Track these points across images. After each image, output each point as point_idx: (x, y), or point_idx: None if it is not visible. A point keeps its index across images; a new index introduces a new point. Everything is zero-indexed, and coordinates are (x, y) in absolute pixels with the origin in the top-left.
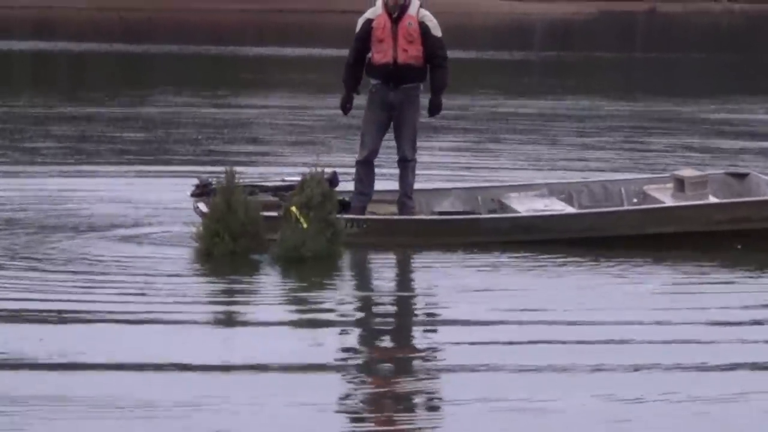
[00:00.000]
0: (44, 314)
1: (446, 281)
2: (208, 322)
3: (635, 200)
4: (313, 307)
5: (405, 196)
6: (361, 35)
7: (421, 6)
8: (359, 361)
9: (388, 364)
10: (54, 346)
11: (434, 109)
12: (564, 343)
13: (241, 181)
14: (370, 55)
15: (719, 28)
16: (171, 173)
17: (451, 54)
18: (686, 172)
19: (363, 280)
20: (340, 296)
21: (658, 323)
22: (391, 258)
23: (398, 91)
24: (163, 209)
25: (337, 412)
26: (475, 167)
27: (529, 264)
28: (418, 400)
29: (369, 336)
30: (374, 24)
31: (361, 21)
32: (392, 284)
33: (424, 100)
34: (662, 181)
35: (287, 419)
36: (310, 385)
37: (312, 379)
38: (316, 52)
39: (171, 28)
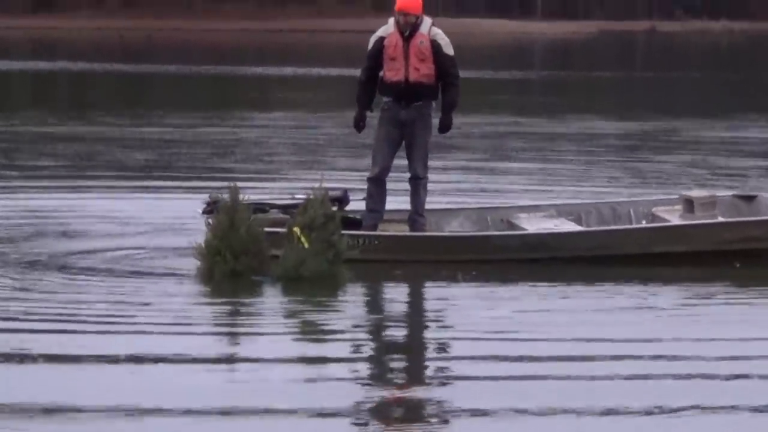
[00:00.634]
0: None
1: (456, 308)
2: (208, 359)
3: (644, 222)
4: (318, 336)
5: (416, 213)
6: (373, 53)
7: (433, 24)
8: (371, 405)
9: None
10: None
11: (444, 127)
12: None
13: (249, 198)
14: (382, 73)
15: (719, 47)
16: (174, 191)
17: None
18: (695, 193)
19: (366, 304)
20: (345, 321)
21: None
22: (398, 280)
23: (410, 109)
24: (166, 226)
25: None
26: (483, 187)
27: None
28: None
29: (378, 369)
30: (386, 42)
31: (373, 39)
32: (400, 308)
33: (436, 118)
34: (671, 202)
35: None
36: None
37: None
38: (316, 71)
39: (171, 47)
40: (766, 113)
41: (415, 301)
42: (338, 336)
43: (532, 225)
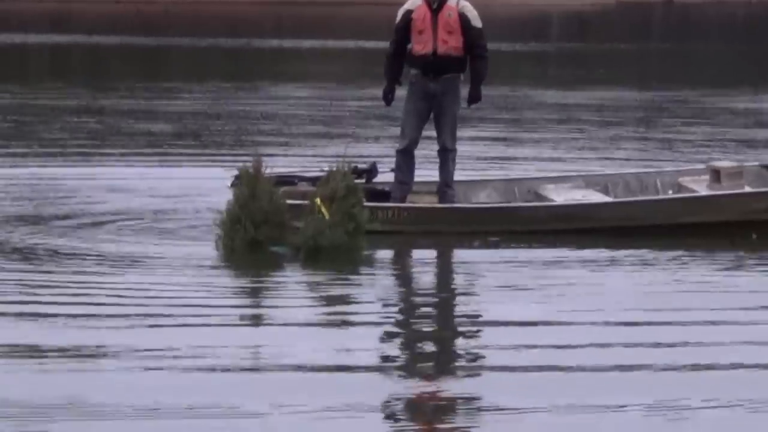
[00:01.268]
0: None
1: (482, 278)
2: (233, 324)
3: (670, 191)
4: (338, 308)
5: (445, 185)
6: (401, 26)
7: None
8: (395, 363)
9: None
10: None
11: (473, 99)
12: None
13: (278, 170)
14: (410, 45)
15: (736, 18)
16: (199, 159)
17: None
18: (722, 163)
19: (389, 281)
20: (369, 302)
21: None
22: (422, 251)
23: (438, 81)
24: (191, 197)
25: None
26: (508, 157)
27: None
28: (458, 404)
29: (404, 337)
30: (414, 15)
31: (401, 12)
32: (425, 281)
33: (464, 90)
34: (697, 172)
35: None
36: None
37: (343, 380)
38: (332, 44)
39: (188, 20)
40: None
41: (443, 278)
42: (363, 318)
43: (560, 196)
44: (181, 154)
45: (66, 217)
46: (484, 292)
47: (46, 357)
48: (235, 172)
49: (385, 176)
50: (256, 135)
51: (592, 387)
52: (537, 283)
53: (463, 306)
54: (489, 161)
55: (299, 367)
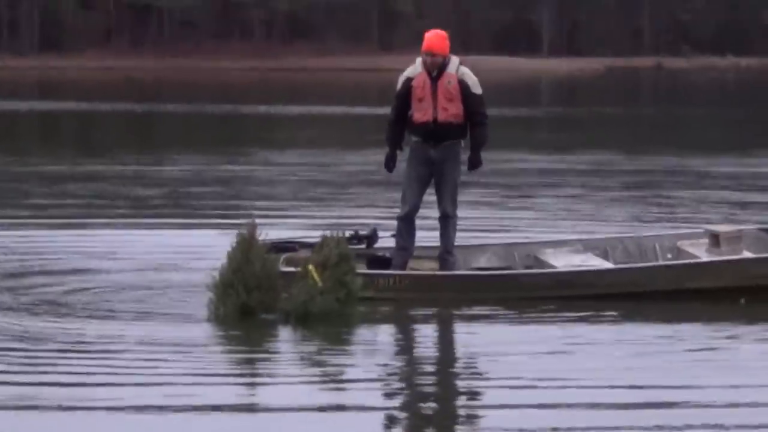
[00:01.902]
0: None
1: (480, 347)
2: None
3: (669, 256)
4: (337, 386)
5: (446, 252)
6: (402, 93)
7: (461, 63)
8: None
9: None
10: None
11: (473, 165)
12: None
13: (278, 237)
14: (411, 112)
15: (726, 83)
16: (193, 227)
17: None
18: (721, 227)
19: (385, 349)
20: (364, 368)
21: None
22: (420, 318)
23: (439, 148)
24: (183, 261)
25: None
26: (505, 223)
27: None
28: None
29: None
30: (414, 83)
31: (401, 79)
32: (424, 352)
33: (464, 156)
34: (695, 236)
35: None
36: None
37: None
38: (326, 109)
39: (178, 87)
40: None
41: (443, 344)
42: (358, 385)
43: (559, 260)
44: (171, 220)
45: (47, 284)
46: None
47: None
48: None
49: (386, 241)
50: (248, 200)
51: None
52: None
53: (463, 379)
54: (486, 226)
55: None
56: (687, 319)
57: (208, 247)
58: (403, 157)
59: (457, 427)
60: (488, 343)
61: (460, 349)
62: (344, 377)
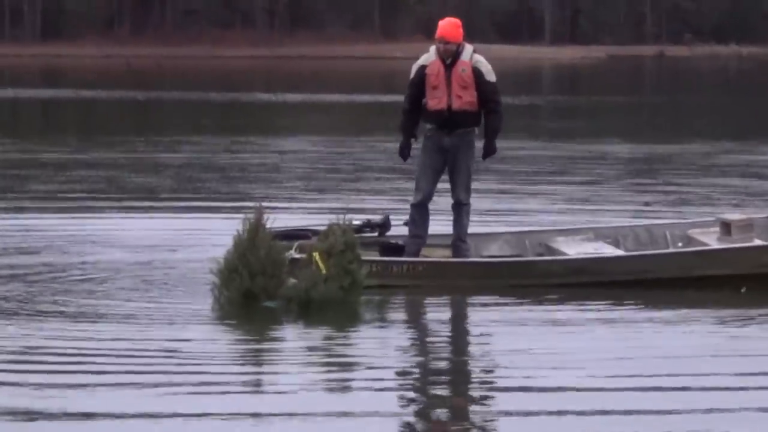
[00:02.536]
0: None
1: (491, 336)
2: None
3: (680, 244)
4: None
5: (459, 239)
6: (416, 81)
7: (474, 51)
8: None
9: None
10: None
11: (488, 153)
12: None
13: (279, 224)
14: (425, 100)
15: (728, 71)
16: (203, 211)
17: None
18: (732, 216)
19: (390, 338)
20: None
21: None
22: (434, 306)
23: (453, 135)
24: (191, 248)
25: None
26: (516, 210)
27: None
28: None
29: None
30: (428, 71)
31: (415, 67)
32: (434, 341)
33: (478, 144)
34: (706, 225)
35: None
36: None
37: None
38: (323, 97)
39: (180, 75)
40: None
41: (455, 331)
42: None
43: (571, 248)
44: (177, 206)
45: (56, 270)
46: (498, 355)
47: (36, 420)
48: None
49: (398, 229)
50: (256, 187)
51: None
52: (547, 345)
53: (476, 369)
54: (497, 213)
55: None
56: (696, 306)
57: (215, 231)
58: (417, 145)
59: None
60: (502, 333)
61: (472, 339)
62: (352, 367)
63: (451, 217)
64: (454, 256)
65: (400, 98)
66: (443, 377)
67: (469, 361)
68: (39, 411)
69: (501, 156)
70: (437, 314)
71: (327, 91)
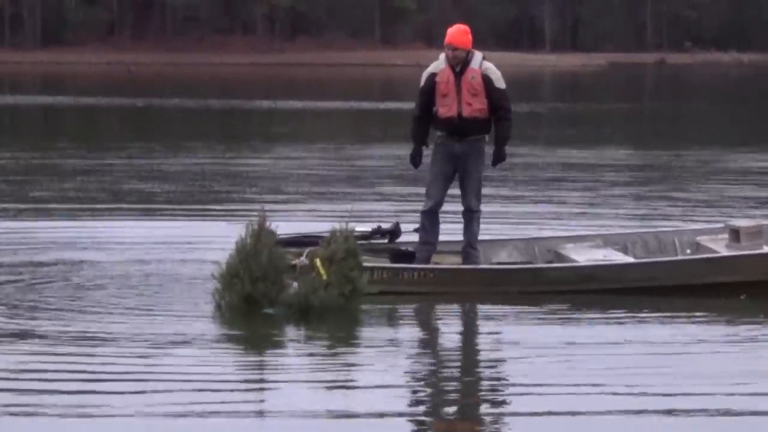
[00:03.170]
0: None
1: (503, 339)
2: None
3: (688, 251)
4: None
5: (469, 246)
6: (426, 89)
7: (484, 58)
8: None
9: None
10: None
11: (497, 160)
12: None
13: (301, 231)
14: (435, 108)
15: (729, 79)
16: (198, 217)
17: None
18: (741, 223)
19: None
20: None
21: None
22: (443, 314)
23: (463, 143)
24: (193, 252)
25: None
26: (526, 216)
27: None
28: None
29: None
30: (438, 78)
31: (425, 75)
32: (442, 348)
33: (489, 150)
34: (715, 231)
35: None
36: None
37: None
38: (325, 105)
39: (180, 81)
40: None
41: (463, 341)
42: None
43: (580, 255)
44: (179, 212)
45: (55, 275)
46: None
47: None
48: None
49: (408, 236)
50: (259, 193)
51: None
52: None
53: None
54: (505, 220)
55: None
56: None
57: (217, 236)
58: (429, 152)
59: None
60: (511, 342)
61: (481, 347)
62: (356, 378)
63: (461, 224)
64: (464, 263)
65: (399, 105)
66: (451, 384)
67: (478, 371)
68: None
69: (509, 162)
70: (446, 321)
71: (327, 98)
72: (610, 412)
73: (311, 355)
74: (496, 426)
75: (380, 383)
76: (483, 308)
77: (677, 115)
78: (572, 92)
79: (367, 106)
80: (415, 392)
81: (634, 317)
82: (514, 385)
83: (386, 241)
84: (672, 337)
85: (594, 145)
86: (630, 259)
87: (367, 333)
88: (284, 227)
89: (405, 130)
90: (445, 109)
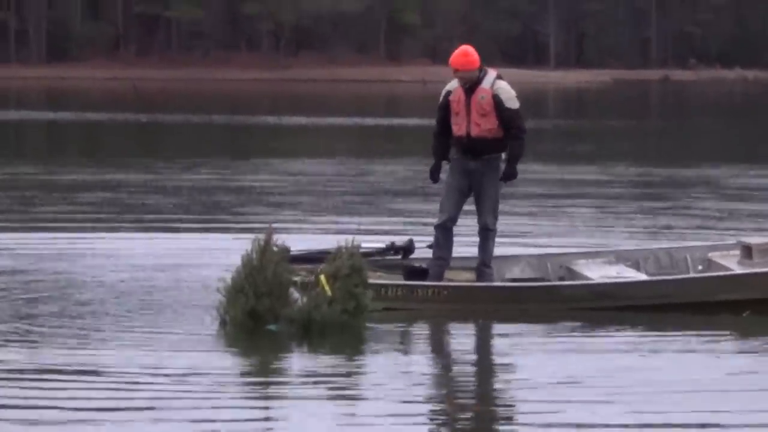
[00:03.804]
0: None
1: (514, 364)
2: None
3: (700, 267)
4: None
5: (484, 264)
6: (442, 106)
7: (498, 77)
8: None
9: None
10: None
11: (507, 177)
12: None
13: (312, 248)
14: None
15: (734, 95)
16: (214, 232)
17: None
18: (753, 240)
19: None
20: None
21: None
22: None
23: (478, 160)
24: (197, 268)
25: None
26: (537, 232)
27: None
28: None
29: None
30: (452, 97)
31: (443, 93)
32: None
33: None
34: (726, 248)
35: None
36: None
37: None
38: (326, 120)
39: (185, 97)
40: None
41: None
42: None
43: (592, 271)
44: (184, 227)
45: (59, 289)
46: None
47: None
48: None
49: (422, 252)
50: (261, 208)
51: None
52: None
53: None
54: (516, 235)
55: None
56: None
57: (223, 251)
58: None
59: None
60: (522, 366)
61: (491, 371)
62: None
63: (475, 241)
64: (477, 281)
65: (404, 121)
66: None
67: (490, 389)
68: None
69: (521, 178)
70: (458, 340)
71: (332, 114)
72: None
73: (315, 379)
74: None
75: (390, 412)
76: (496, 327)
77: (683, 132)
78: (577, 109)
79: (374, 122)
80: (423, 418)
81: (645, 337)
82: (526, 413)
83: (400, 257)
84: (680, 356)
85: (601, 161)
86: (643, 276)
87: (372, 355)
88: (290, 243)
89: (410, 146)
90: (456, 127)
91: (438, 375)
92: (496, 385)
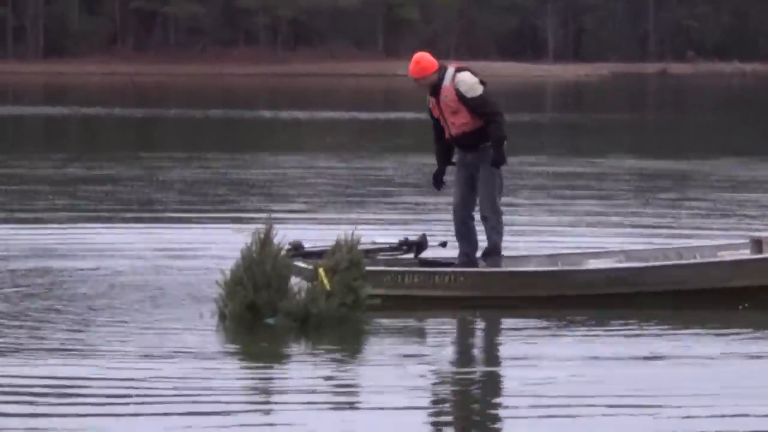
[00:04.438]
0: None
1: (522, 354)
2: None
3: None
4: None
5: (484, 253)
6: (429, 113)
7: (457, 70)
8: None
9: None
10: None
11: (495, 162)
12: None
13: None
14: None
15: (732, 89)
16: (201, 224)
17: None
18: (764, 234)
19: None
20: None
21: None
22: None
23: (473, 152)
24: (199, 258)
25: None
26: (543, 227)
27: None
28: None
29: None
30: (430, 104)
31: (426, 100)
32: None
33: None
34: (736, 246)
35: None
36: None
37: None
38: (328, 115)
39: (183, 92)
40: None
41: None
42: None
43: None
44: (182, 220)
45: (57, 282)
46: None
47: None
48: (287, 246)
49: (434, 250)
50: (260, 201)
51: None
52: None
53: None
54: (525, 231)
55: None
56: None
57: (223, 244)
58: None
59: None
60: (534, 356)
61: (498, 362)
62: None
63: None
64: (485, 263)
65: (402, 115)
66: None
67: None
68: None
69: (515, 172)
70: (465, 334)
71: (330, 108)
72: None
73: (315, 370)
74: None
75: (391, 404)
76: (505, 321)
77: (683, 126)
78: (575, 102)
79: (371, 117)
80: (427, 412)
81: (657, 330)
82: (534, 407)
83: (413, 255)
84: (695, 352)
85: (602, 155)
86: (661, 262)
87: (374, 347)
88: (291, 236)
89: (408, 140)
90: (444, 130)
91: (440, 371)
92: (499, 384)
